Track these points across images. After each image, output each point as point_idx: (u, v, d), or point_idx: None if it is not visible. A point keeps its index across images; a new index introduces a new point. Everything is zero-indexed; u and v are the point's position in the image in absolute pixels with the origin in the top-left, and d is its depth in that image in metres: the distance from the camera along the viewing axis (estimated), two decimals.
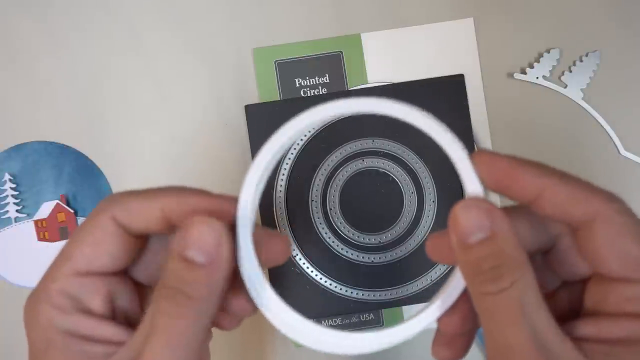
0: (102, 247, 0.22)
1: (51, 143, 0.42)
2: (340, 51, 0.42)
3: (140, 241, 0.24)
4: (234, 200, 0.22)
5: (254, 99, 0.42)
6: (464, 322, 0.23)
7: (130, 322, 0.24)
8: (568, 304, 0.23)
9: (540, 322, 0.19)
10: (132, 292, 0.24)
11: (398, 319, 0.41)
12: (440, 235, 0.23)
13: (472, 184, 0.21)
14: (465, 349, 0.24)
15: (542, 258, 0.24)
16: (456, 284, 0.22)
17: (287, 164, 0.41)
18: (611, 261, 0.20)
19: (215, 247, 0.21)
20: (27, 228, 0.41)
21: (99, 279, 0.22)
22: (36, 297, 0.22)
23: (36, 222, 0.41)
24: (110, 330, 0.22)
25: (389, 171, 0.41)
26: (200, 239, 0.21)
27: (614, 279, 0.20)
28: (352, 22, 0.42)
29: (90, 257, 0.22)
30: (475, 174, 0.21)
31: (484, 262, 0.20)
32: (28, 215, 0.41)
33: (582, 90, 0.42)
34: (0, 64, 0.42)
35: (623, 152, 0.42)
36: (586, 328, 0.20)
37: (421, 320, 0.22)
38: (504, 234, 0.20)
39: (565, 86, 0.42)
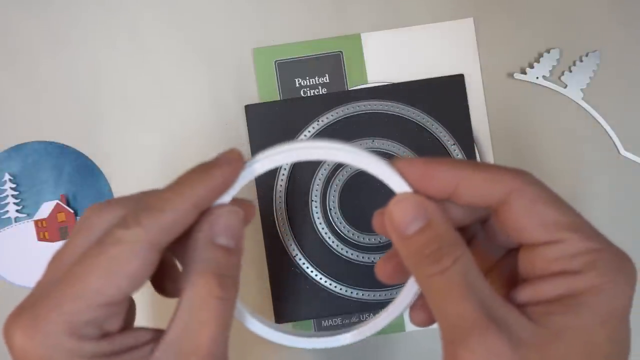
0: (140, 276, 0.21)
1: (51, 143, 0.42)
2: (340, 51, 0.42)
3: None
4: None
5: (254, 99, 0.42)
6: (398, 268, 0.25)
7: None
8: (510, 272, 0.25)
9: (484, 293, 0.20)
10: None
11: (397, 319, 0.41)
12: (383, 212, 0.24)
13: (398, 186, 0.23)
14: None
15: (483, 229, 0.26)
16: (407, 292, 0.24)
17: (287, 164, 0.41)
18: (530, 229, 0.21)
19: (240, 230, 0.23)
20: (27, 228, 0.41)
21: (125, 301, 0.22)
22: (55, 332, 0.20)
23: (36, 222, 0.41)
24: (133, 337, 0.22)
25: None
26: (229, 226, 0.22)
27: (538, 245, 0.21)
28: (352, 22, 0.42)
29: (126, 288, 0.21)
30: (399, 177, 0.23)
31: (424, 247, 0.21)
32: (28, 215, 0.41)
33: (582, 90, 0.42)
34: (0, 64, 0.42)
35: (623, 152, 0.42)
36: (523, 293, 0.22)
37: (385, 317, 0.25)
38: (438, 219, 0.22)
39: (565, 86, 0.42)
